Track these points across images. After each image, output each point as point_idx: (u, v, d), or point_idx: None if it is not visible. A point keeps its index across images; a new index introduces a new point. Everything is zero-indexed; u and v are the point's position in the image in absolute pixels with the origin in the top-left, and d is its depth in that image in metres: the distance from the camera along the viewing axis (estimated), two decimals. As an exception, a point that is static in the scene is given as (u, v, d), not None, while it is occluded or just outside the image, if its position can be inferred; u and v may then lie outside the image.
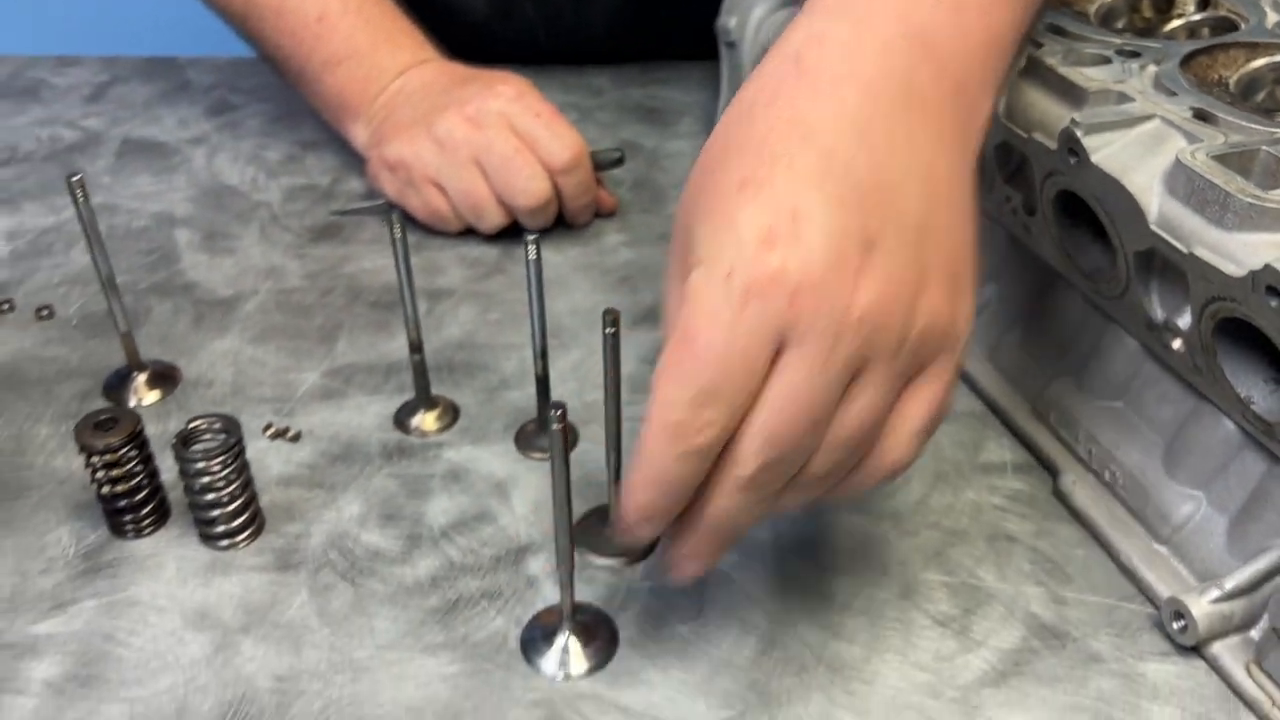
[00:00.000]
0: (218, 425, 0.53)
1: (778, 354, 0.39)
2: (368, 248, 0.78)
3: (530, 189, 0.74)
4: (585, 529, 0.55)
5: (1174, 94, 0.53)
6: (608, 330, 0.43)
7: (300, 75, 0.84)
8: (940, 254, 0.41)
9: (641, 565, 0.53)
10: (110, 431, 0.52)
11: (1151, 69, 0.56)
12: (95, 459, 0.52)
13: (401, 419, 0.62)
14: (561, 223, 0.80)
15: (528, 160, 0.74)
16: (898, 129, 0.41)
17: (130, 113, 0.97)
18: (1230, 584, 0.48)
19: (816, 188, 0.39)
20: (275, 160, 0.89)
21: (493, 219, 0.76)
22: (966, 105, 0.44)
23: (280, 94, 0.97)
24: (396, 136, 0.77)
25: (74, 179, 0.57)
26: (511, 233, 0.79)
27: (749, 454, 0.39)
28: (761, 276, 0.37)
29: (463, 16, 1.01)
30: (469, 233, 0.79)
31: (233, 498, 0.53)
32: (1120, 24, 0.66)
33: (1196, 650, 0.49)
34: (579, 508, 0.54)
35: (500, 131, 0.75)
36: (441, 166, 0.75)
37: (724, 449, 0.40)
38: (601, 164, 0.81)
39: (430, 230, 0.79)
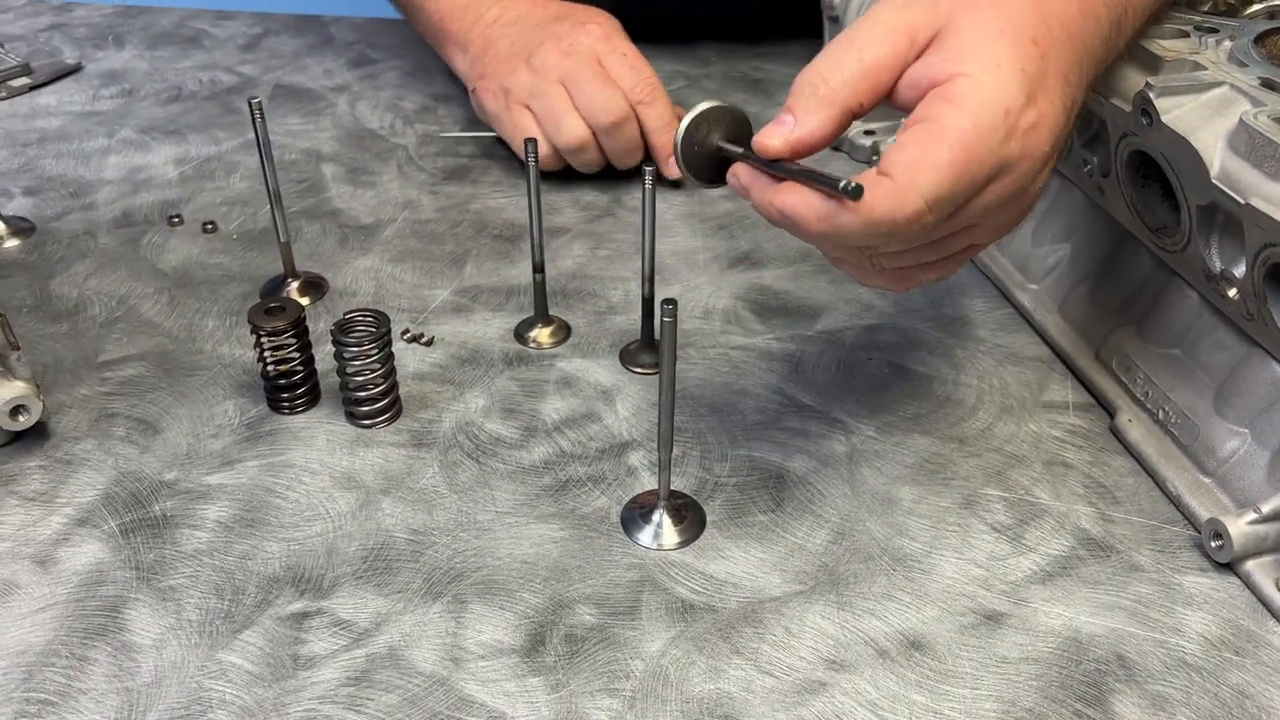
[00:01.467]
0: (370, 317, 0.61)
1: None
2: (493, 188, 0.86)
3: (610, 106, 0.80)
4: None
5: (1245, 65, 0.58)
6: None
7: (407, 3, 0.92)
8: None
9: None
10: (277, 317, 0.60)
11: (1227, 43, 0.60)
12: (264, 339, 0.61)
13: (521, 332, 0.70)
14: (666, 177, 0.87)
15: (609, 83, 0.81)
16: (1097, 61, 0.54)
17: (281, 61, 1.06)
18: (1267, 508, 0.52)
19: (1064, 83, 0.49)
20: (411, 109, 0.98)
21: (571, 130, 0.81)
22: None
23: (414, 51, 1.06)
24: (497, 67, 0.85)
25: (254, 101, 0.65)
26: (621, 180, 0.86)
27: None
28: (1021, 127, 0.47)
29: None
30: (583, 178, 0.86)
31: (379, 380, 0.61)
32: (1206, 6, 0.70)
33: (1230, 567, 0.54)
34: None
35: (589, 61, 0.82)
36: (533, 87, 0.82)
37: None
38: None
39: (548, 178, 0.86)
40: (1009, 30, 0.48)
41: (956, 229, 0.49)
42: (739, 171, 0.50)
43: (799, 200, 0.46)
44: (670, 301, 0.48)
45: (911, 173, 0.45)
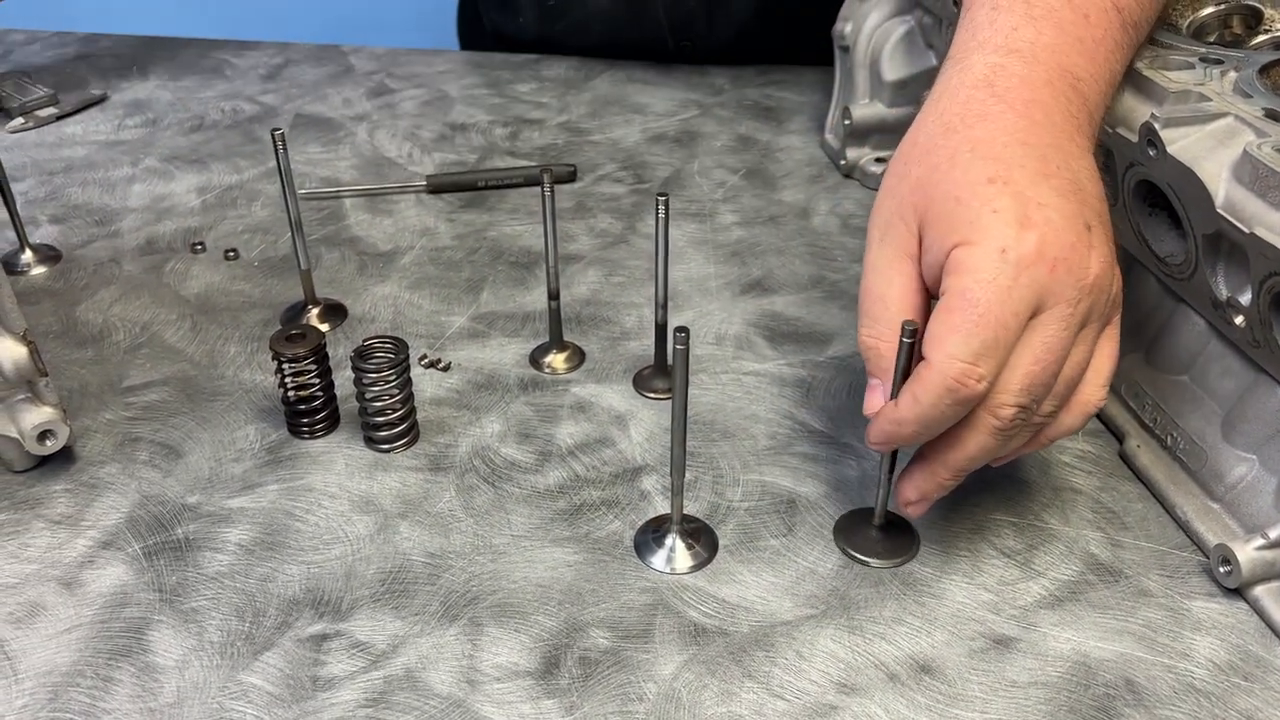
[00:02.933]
0: (388, 344, 0.62)
1: (1031, 315, 0.49)
2: (509, 216, 0.87)
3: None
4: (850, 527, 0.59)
5: (1249, 96, 0.59)
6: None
7: None
8: (1111, 234, 0.52)
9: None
10: (299, 343, 0.62)
11: (1232, 74, 0.61)
12: (285, 365, 0.62)
13: (536, 358, 0.71)
14: (681, 202, 0.88)
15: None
16: (1070, 141, 0.53)
17: (301, 91, 1.09)
18: (1275, 533, 0.53)
19: (1045, 184, 0.50)
20: (428, 138, 0.99)
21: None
22: (1094, 124, 0.56)
23: (432, 81, 1.07)
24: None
25: (277, 132, 0.67)
26: (634, 209, 0.88)
27: (1008, 399, 0.49)
28: (1030, 252, 0.48)
29: (596, 20, 1.10)
30: (597, 207, 0.88)
31: (398, 406, 0.62)
32: (1212, 38, 0.71)
33: (1239, 593, 0.54)
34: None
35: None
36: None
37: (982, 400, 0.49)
38: (559, 178, 0.90)
39: (563, 205, 0.88)
40: (964, 194, 0.50)
41: (1062, 362, 0.50)
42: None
43: (878, 419, 0.52)
44: (683, 329, 0.49)
45: (938, 345, 0.48)
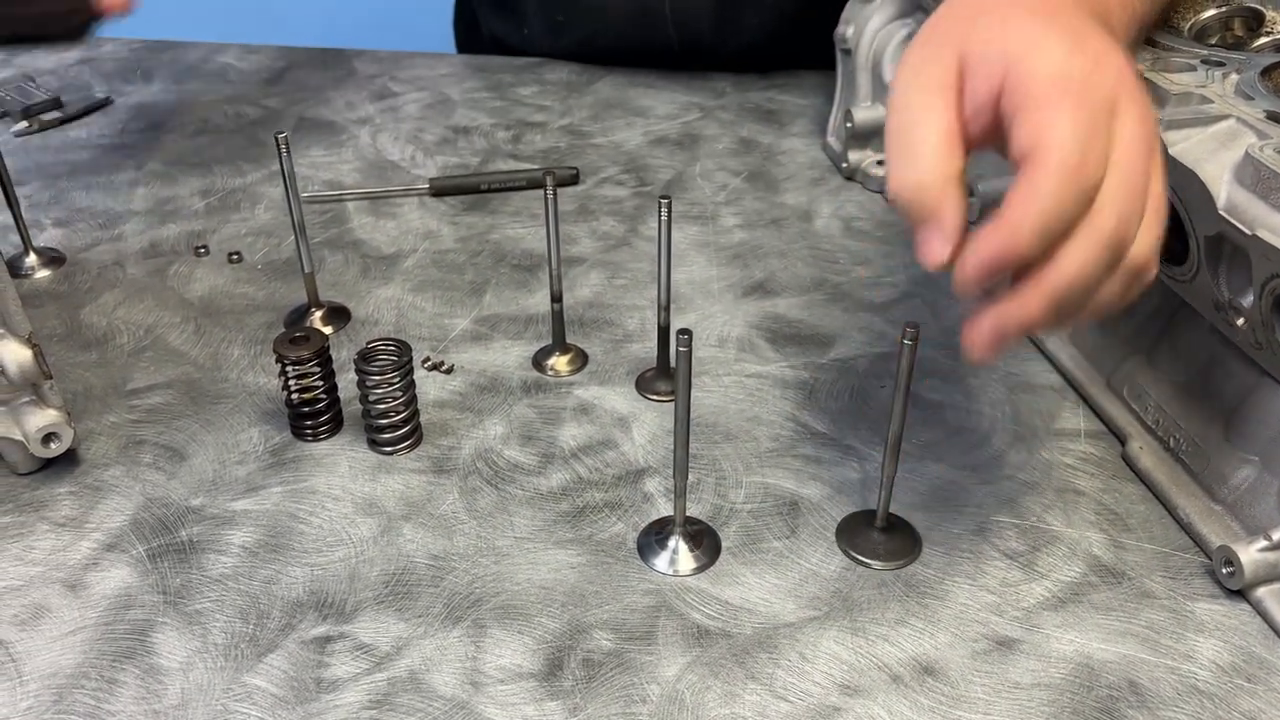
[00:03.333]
0: (392, 347, 0.62)
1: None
2: (512, 219, 0.87)
3: None
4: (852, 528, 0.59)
5: (1251, 98, 0.59)
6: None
7: None
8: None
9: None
10: (302, 346, 0.62)
11: (1234, 77, 0.61)
12: (289, 368, 0.62)
13: (539, 360, 0.71)
14: (683, 205, 0.88)
15: None
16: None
17: (304, 94, 1.09)
18: (1278, 535, 0.53)
19: (1089, 23, 0.49)
20: (431, 141, 1.00)
21: None
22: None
23: (434, 84, 1.08)
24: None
25: (280, 136, 0.67)
26: (636, 212, 0.88)
27: (1107, 204, 0.45)
28: (1095, 56, 0.46)
29: (604, 35, 1.10)
30: (599, 210, 0.88)
31: (400, 409, 0.62)
32: (1214, 40, 0.71)
33: (1242, 594, 0.54)
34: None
35: None
36: None
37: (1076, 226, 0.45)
38: (561, 180, 0.90)
39: (566, 208, 0.88)
40: (1011, 17, 0.48)
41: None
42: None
43: (981, 242, 0.45)
44: (685, 331, 0.49)
45: (1044, 134, 0.44)
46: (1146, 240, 0.48)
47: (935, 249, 0.46)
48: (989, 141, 0.48)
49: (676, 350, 0.50)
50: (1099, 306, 0.49)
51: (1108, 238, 0.46)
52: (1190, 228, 0.57)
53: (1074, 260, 0.46)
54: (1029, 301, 0.47)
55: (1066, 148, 0.44)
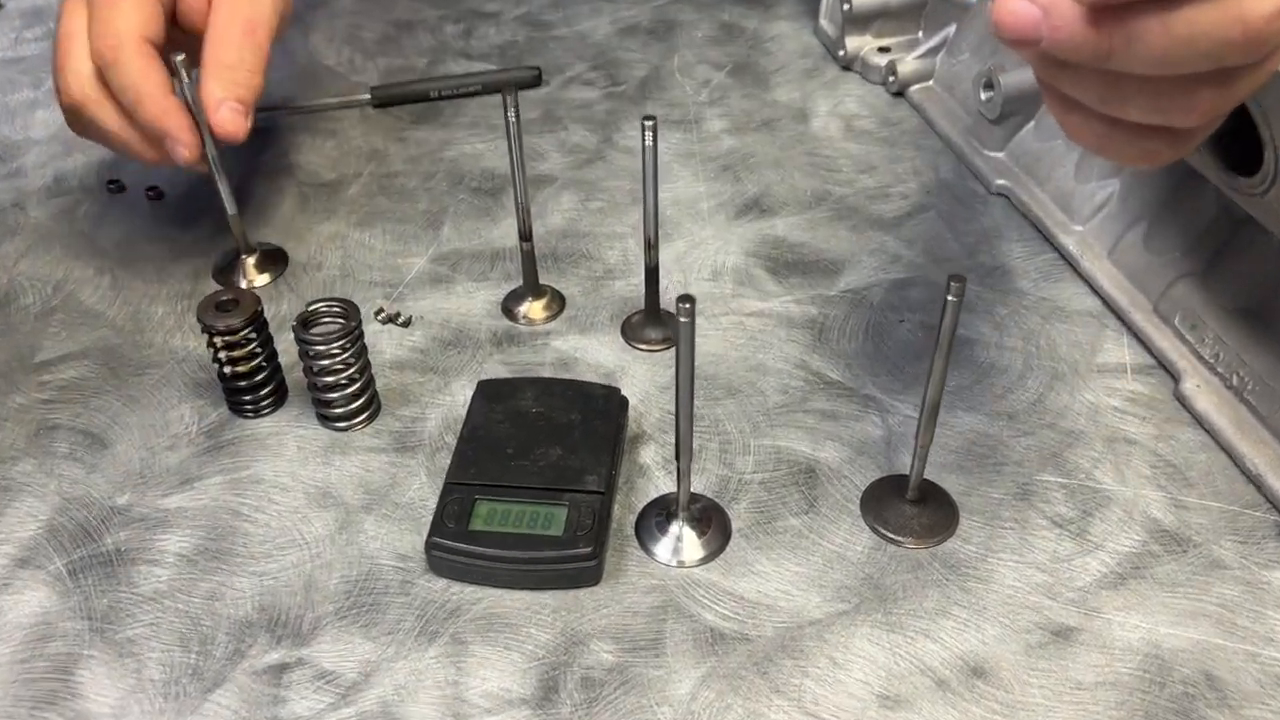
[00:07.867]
0: (337, 309, 0.53)
1: None
2: (469, 131, 0.77)
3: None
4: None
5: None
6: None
7: None
8: None
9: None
10: (231, 313, 0.53)
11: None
12: (217, 340, 0.53)
13: (509, 307, 0.62)
14: (662, 107, 0.78)
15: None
16: None
17: (223, -10, 0.95)
18: (1366, 494, 0.46)
19: None
20: (371, 40, 0.88)
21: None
22: None
23: (372, -29, 0.95)
24: None
25: (178, 59, 0.56)
26: (608, 118, 0.78)
27: None
28: None
29: None
30: (567, 116, 0.78)
31: (351, 380, 0.53)
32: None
33: (1324, 560, 0.48)
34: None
35: None
36: None
37: None
38: (522, 83, 0.81)
39: (529, 116, 0.78)
40: None
41: None
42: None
43: None
44: (687, 298, 0.41)
45: None
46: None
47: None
48: None
49: (679, 321, 0.41)
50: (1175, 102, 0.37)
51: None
52: (1268, 134, 0.49)
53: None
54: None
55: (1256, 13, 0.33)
